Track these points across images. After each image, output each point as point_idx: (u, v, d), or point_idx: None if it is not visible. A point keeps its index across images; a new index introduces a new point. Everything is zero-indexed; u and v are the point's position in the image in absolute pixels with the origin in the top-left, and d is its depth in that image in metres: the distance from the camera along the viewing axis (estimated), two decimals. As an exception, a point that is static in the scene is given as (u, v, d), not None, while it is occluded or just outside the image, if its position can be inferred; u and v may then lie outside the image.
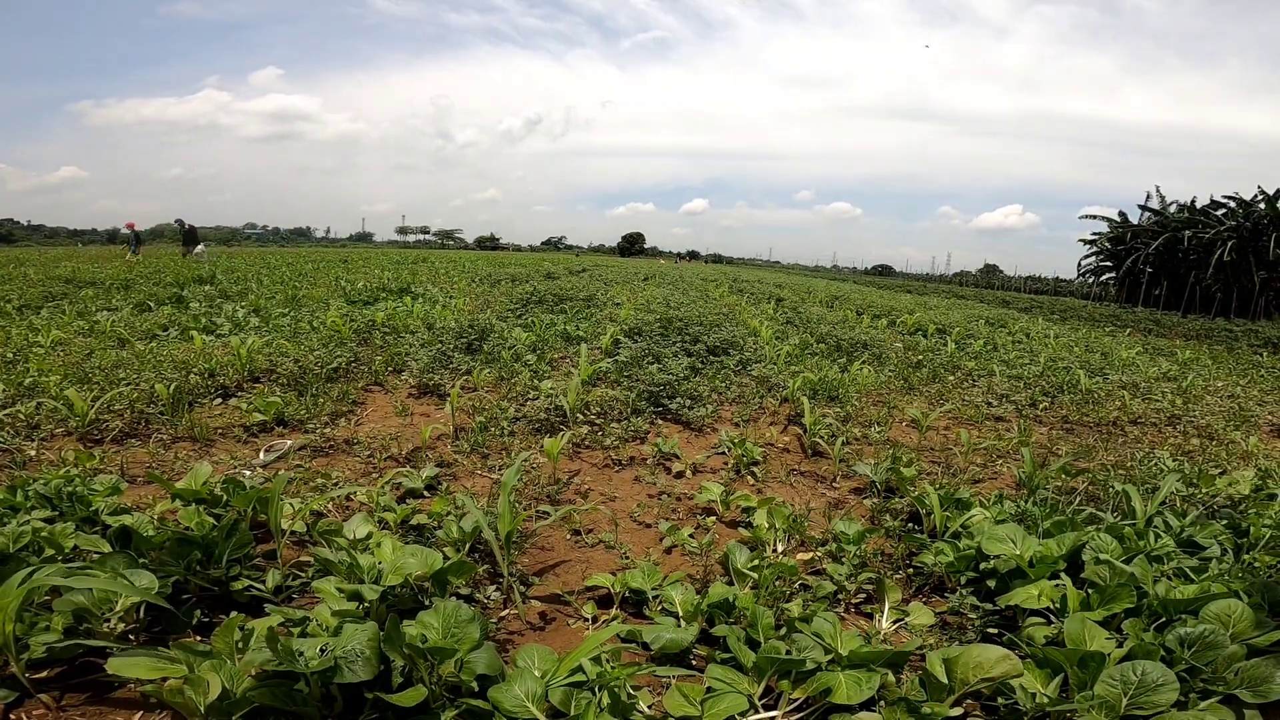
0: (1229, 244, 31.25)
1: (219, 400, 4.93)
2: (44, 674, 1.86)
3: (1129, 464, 4.41)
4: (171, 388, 4.54)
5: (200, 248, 23.20)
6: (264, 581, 2.33)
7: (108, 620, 1.94)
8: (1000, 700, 1.91)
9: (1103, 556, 2.47)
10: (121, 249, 24.60)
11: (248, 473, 3.55)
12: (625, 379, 5.86)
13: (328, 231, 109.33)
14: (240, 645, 1.70)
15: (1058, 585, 2.36)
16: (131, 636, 2.01)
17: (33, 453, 3.66)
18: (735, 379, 6.45)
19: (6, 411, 4.06)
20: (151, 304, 10.17)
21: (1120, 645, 2.00)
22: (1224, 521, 3.04)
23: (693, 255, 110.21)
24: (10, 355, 5.67)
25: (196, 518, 2.53)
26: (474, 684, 1.80)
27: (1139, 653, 1.89)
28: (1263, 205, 31.70)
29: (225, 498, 2.80)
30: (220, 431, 4.26)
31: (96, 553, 2.22)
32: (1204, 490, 3.71)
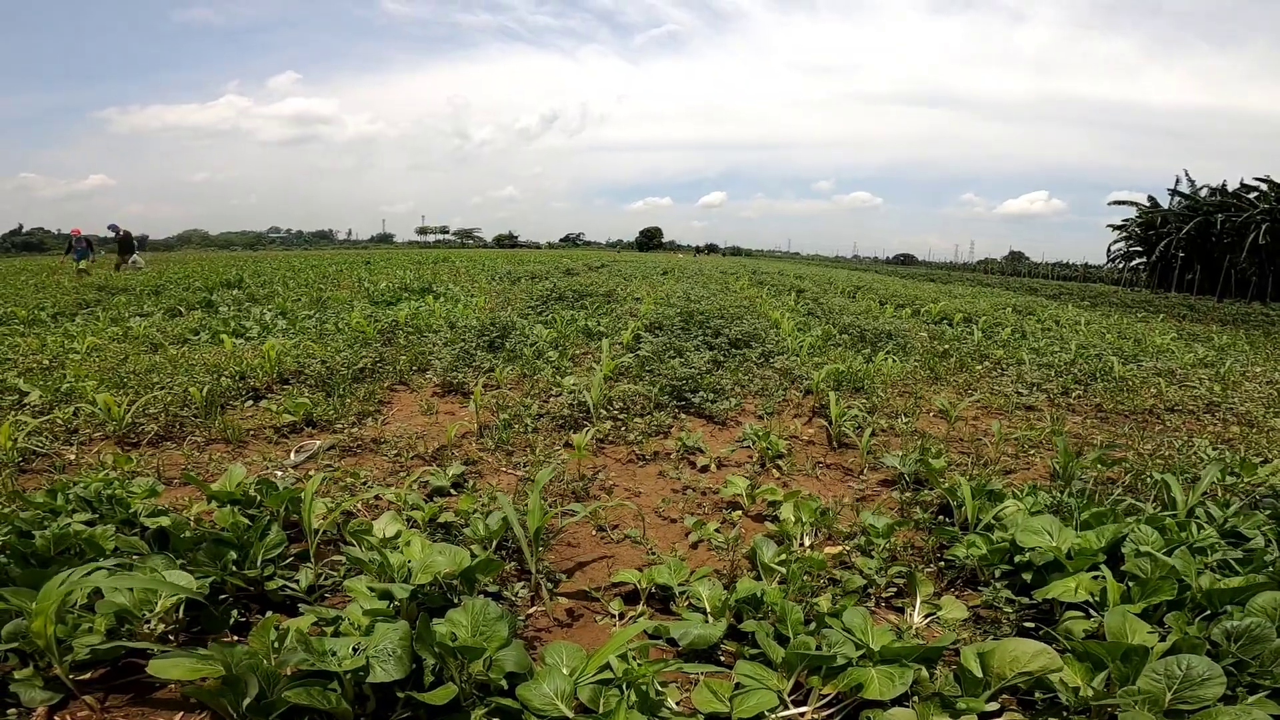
0: (1263, 227, 30.31)
1: (250, 402, 5.02)
2: (88, 675, 1.90)
3: (1167, 453, 4.30)
4: (204, 391, 4.63)
5: (135, 256, 20.95)
6: (297, 581, 2.36)
7: (148, 621, 1.98)
8: (1038, 695, 1.87)
9: (1143, 548, 2.41)
10: (66, 258, 21.35)
11: (280, 473, 3.61)
12: (647, 374, 5.85)
13: (349, 233, 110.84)
14: (276, 645, 1.73)
15: (1097, 578, 2.30)
16: (171, 637, 2.05)
17: (71, 456, 3.76)
18: (758, 371, 6.41)
19: (45, 417, 4.17)
20: (182, 309, 10.40)
21: (1163, 639, 1.94)
22: (1268, 512, 2.95)
23: (711, 248, 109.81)
24: (47, 362, 5.83)
25: (231, 519, 2.57)
26: (503, 682, 1.81)
27: (1183, 646, 1.84)
28: (1294, 188, 30.69)
29: (259, 498, 2.85)
30: (252, 433, 4.34)
31: (136, 554, 2.27)
32: (1246, 480, 3.60)
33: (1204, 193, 36.10)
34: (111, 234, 20.95)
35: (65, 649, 1.80)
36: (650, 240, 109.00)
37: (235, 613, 2.19)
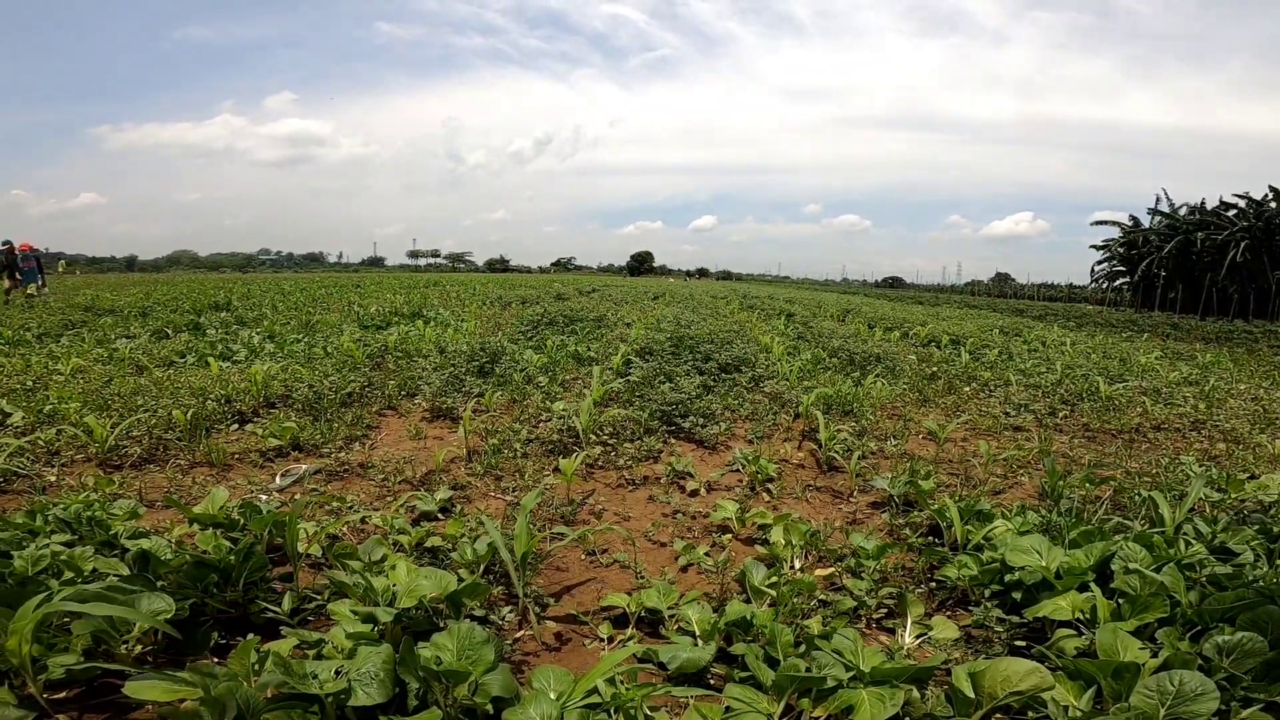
0: (1242, 245, 30.91)
1: (235, 426, 4.97)
2: (62, 694, 1.86)
3: (1154, 471, 4.32)
4: (189, 414, 4.58)
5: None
6: (280, 604, 2.32)
7: (126, 642, 1.94)
8: (1030, 714, 1.86)
9: (1133, 565, 2.41)
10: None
11: (264, 497, 3.57)
12: (637, 398, 5.85)
13: (340, 256, 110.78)
14: (256, 667, 1.69)
15: (1087, 596, 2.30)
16: (150, 658, 2.01)
17: (53, 478, 3.70)
18: (748, 396, 6.42)
19: (27, 438, 4.11)
20: (169, 331, 10.32)
21: (1155, 655, 1.94)
22: (1256, 527, 2.96)
23: (702, 273, 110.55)
24: (31, 383, 5.76)
25: (214, 541, 2.53)
26: (489, 707, 1.78)
27: (1175, 662, 1.84)
28: (1274, 204, 31.36)
29: (242, 522, 2.81)
30: (237, 456, 4.29)
31: (115, 575, 2.23)
32: (1233, 495, 3.63)
33: (1183, 211, 36.80)
34: (4, 251, 16.88)
35: (40, 668, 1.76)
36: (641, 265, 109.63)
37: (216, 635, 2.15)
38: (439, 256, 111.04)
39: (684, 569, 3.02)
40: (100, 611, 1.77)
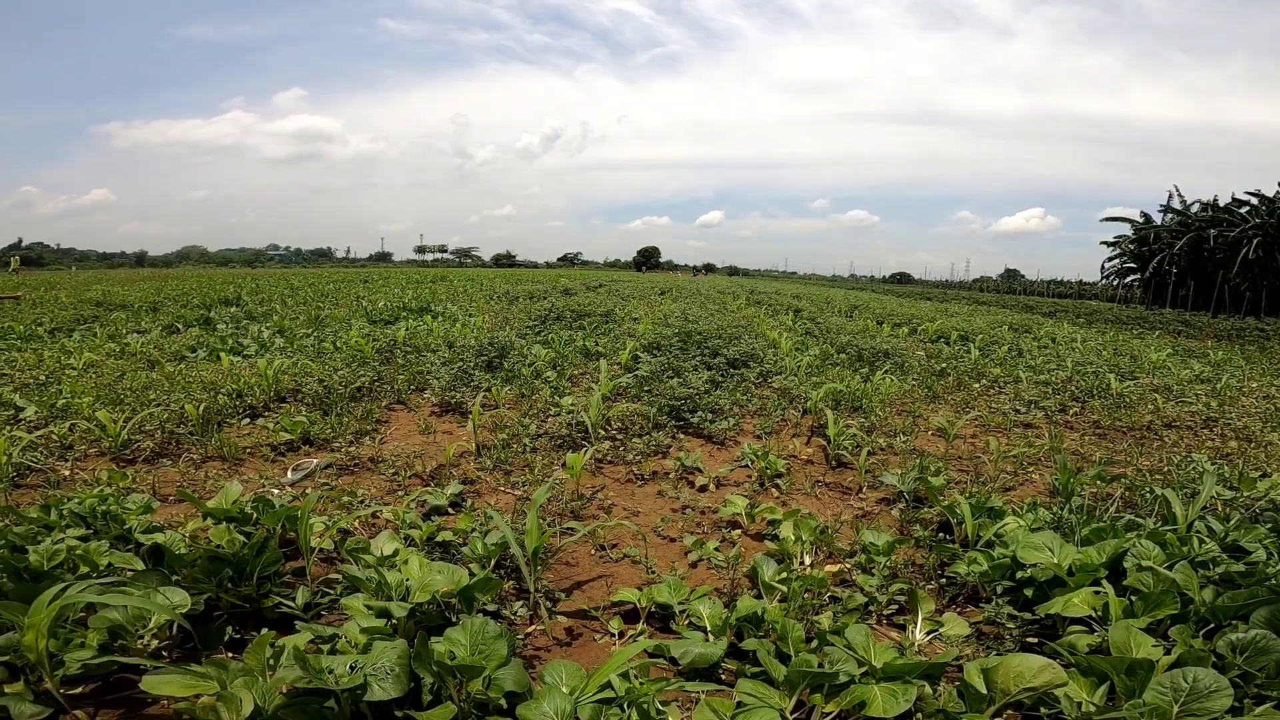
0: (1254, 242, 30.55)
1: (247, 420, 5.00)
2: (79, 690, 1.88)
3: (1166, 468, 4.29)
4: (201, 408, 4.62)
5: None
6: (294, 599, 2.34)
7: (142, 637, 1.96)
8: (1043, 710, 1.85)
9: (1145, 563, 2.40)
10: None
11: (276, 491, 3.59)
12: (646, 394, 5.85)
13: (348, 252, 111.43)
14: (271, 662, 1.71)
15: (1099, 593, 2.29)
16: (165, 653, 2.03)
17: (66, 472, 3.74)
18: (756, 391, 6.41)
19: (41, 432, 4.14)
20: (180, 326, 10.39)
21: (1168, 653, 1.93)
22: (1268, 525, 2.94)
23: (709, 268, 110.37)
24: (44, 377, 5.81)
25: (227, 536, 2.55)
26: (502, 701, 1.79)
27: (1189, 659, 1.83)
28: (1285, 202, 31.00)
29: (255, 516, 2.83)
30: (249, 451, 4.32)
31: (130, 570, 2.25)
32: (1245, 493, 3.60)
33: (1195, 208, 36.43)
34: None
35: (57, 663, 1.78)
36: (648, 260, 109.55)
37: (231, 630, 2.17)
38: (446, 252, 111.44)
39: (694, 564, 3.03)
40: (117, 601, 1.79)
